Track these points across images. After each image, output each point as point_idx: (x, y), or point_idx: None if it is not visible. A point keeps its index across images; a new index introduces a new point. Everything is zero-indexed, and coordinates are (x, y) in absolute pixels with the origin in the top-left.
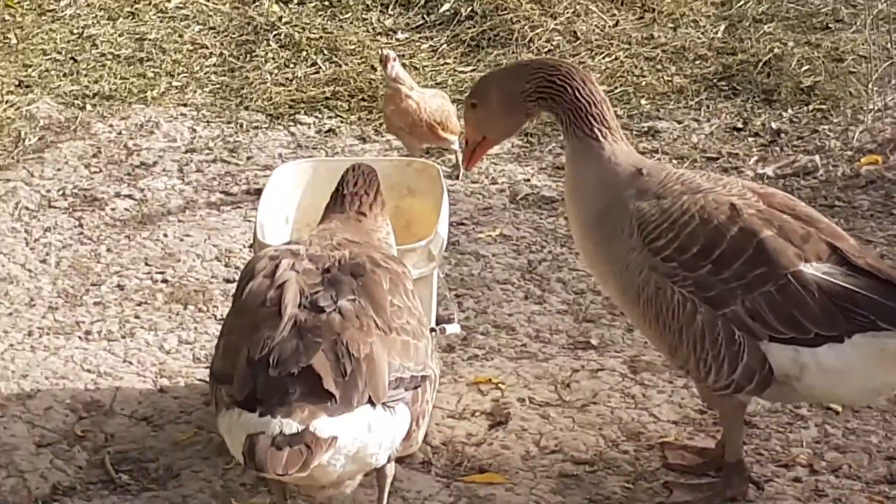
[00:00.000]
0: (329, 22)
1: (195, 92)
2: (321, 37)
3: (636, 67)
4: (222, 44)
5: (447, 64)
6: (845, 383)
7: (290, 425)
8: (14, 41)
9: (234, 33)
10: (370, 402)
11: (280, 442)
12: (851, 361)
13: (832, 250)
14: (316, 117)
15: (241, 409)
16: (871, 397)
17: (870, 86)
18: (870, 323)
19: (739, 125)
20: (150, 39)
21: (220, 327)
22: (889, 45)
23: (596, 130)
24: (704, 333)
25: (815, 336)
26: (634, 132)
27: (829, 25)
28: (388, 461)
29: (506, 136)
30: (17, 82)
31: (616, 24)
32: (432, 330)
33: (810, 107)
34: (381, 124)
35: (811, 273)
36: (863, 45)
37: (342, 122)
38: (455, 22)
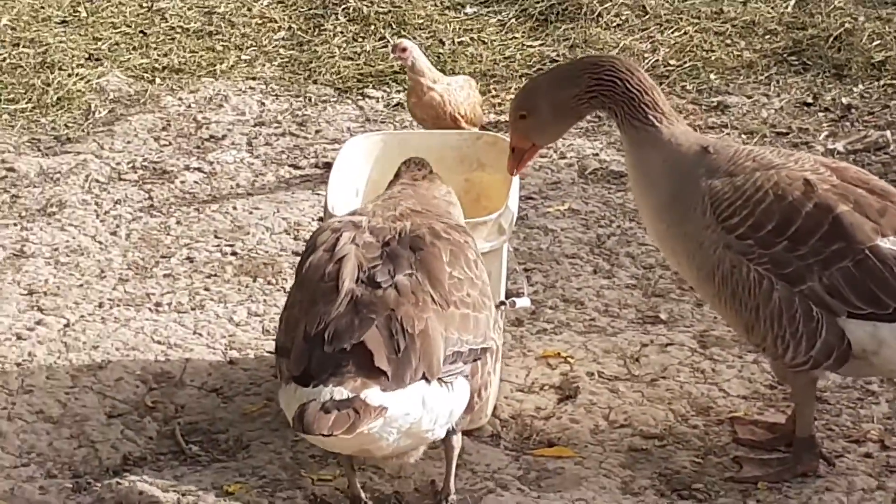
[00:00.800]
0: None
1: (264, 65)
2: (389, 11)
3: (705, 42)
4: (291, 17)
5: (515, 38)
6: None
7: (342, 392)
8: (84, 14)
9: (302, 7)
10: (424, 378)
11: (329, 406)
12: None
13: None
14: (384, 91)
15: (297, 384)
16: None
17: None
18: None
19: (809, 100)
20: (218, 13)
21: None
22: None
23: (651, 117)
24: (782, 311)
25: (893, 311)
26: (704, 107)
27: None
28: (455, 433)
29: (556, 139)
30: (87, 55)
31: None
32: (502, 303)
33: (881, 82)
34: None
35: (889, 248)
36: None
37: None
38: None
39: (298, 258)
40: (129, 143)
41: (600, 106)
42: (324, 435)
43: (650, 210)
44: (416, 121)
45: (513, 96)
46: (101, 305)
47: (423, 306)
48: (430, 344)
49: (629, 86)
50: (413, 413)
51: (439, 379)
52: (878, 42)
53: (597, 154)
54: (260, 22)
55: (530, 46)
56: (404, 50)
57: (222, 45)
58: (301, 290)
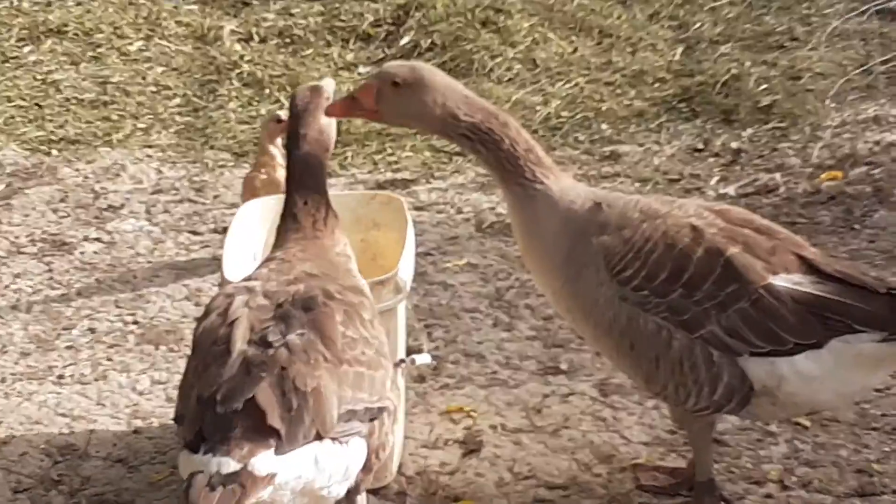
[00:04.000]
0: (290, 58)
1: (160, 133)
2: (283, 73)
3: (596, 93)
4: (185, 84)
5: None
6: (825, 389)
7: (228, 464)
8: None
9: (196, 73)
10: (317, 436)
11: (215, 482)
12: (830, 366)
13: (800, 260)
14: (281, 153)
15: (188, 450)
16: (849, 401)
17: (827, 102)
18: (845, 327)
19: (700, 146)
20: (113, 83)
21: None
22: (844, 62)
23: (539, 174)
24: (682, 358)
25: (793, 346)
26: (596, 157)
27: (785, 44)
28: (359, 493)
29: (395, 125)
30: None
31: (575, 51)
32: (402, 361)
33: (769, 125)
34: (345, 159)
35: (782, 285)
36: (819, 62)
37: None
38: (416, 54)
39: None
40: (27, 216)
41: (476, 152)
42: None
43: (544, 271)
44: (246, 195)
45: (409, 153)
46: (3, 380)
47: (316, 364)
48: (323, 402)
49: (515, 144)
50: (305, 474)
51: (333, 438)
52: (765, 86)
53: (493, 207)
54: (154, 90)
55: None
56: (279, 121)
57: (118, 115)
58: (195, 356)
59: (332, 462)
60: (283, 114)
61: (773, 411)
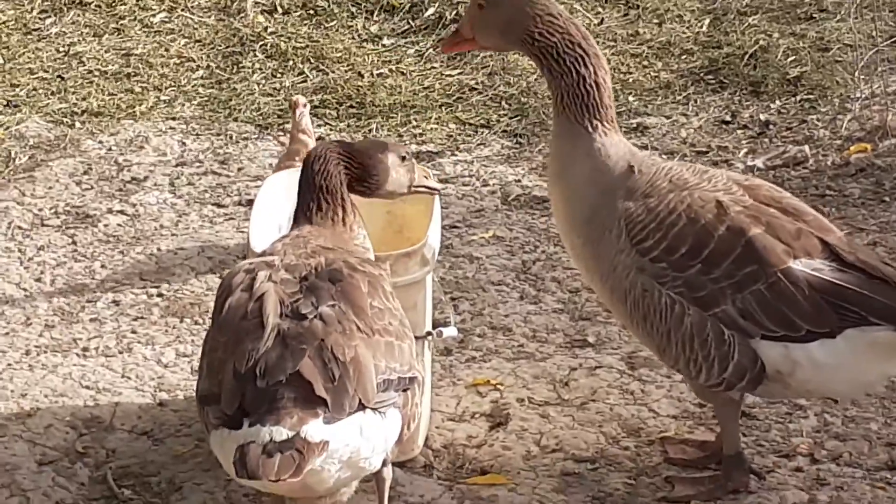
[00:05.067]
0: (314, 30)
1: (183, 105)
2: (307, 45)
3: (623, 64)
4: (209, 56)
5: (434, 68)
6: (838, 377)
7: (280, 432)
8: (0, 61)
9: (220, 45)
10: (361, 405)
11: (271, 449)
12: (843, 356)
13: (823, 245)
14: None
15: (227, 427)
16: (862, 390)
17: (856, 74)
18: (860, 318)
19: (728, 118)
20: (136, 54)
21: None
22: (874, 33)
23: (587, 121)
24: (693, 335)
25: (806, 333)
26: (623, 129)
27: (814, 15)
28: (384, 465)
29: (494, 49)
30: (4, 102)
31: (601, 22)
32: (429, 334)
33: (798, 97)
34: (370, 131)
35: (801, 270)
36: (848, 33)
37: (331, 129)
38: (440, 25)
39: None
40: (50, 188)
41: (540, 66)
42: (271, 481)
43: (567, 222)
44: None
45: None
46: (27, 353)
47: (351, 334)
48: (363, 371)
49: (584, 81)
50: (353, 443)
51: (373, 408)
52: (793, 58)
53: (519, 180)
54: (178, 62)
55: (449, 76)
56: (297, 105)
57: (141, 87)
58: (222, 332)
59: (374, 431)
60: (303, 98)
61: (786, 394)
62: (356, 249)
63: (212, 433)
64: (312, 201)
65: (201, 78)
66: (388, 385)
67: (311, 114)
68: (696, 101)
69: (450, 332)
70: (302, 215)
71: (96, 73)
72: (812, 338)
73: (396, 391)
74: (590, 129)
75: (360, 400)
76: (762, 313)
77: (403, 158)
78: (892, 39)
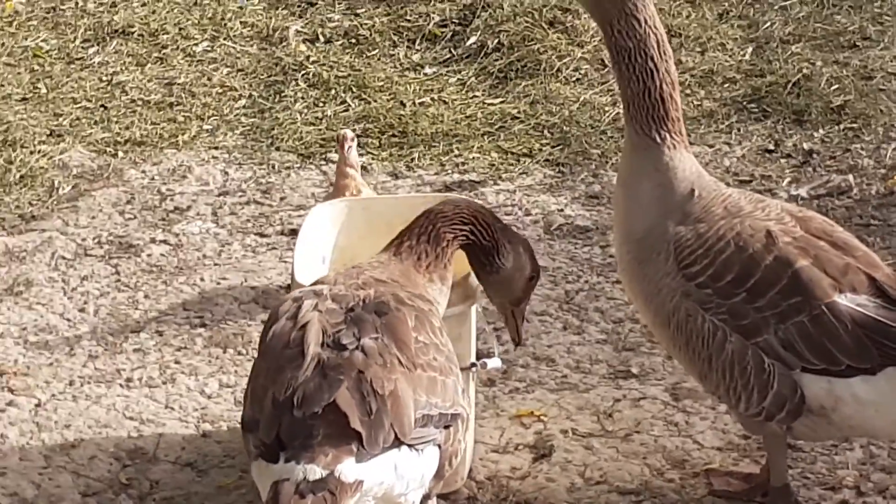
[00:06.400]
0: (356, 59)
1: (226, 134)
2: (349, 74)
3: None
4: (251, 85)
5: (476, 97)
6: (880, 416)
7: (314, 471)
8: (44, 91)
9: (262, 74)
10: (396, 440)
11: (304, 489)
12: (885, 394)
13: (870, 281)
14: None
15: (265, 460)
16: None
17: None
18: None
19: (771, 147)
20: (179, 84)
21: None
22: None
23: (655, 132)
24: (734, 362)
25: (846, 367)
26: None
27: (857, 43)
28: (430, 498)
29: (590, 17)
30: (48, 132)
31: None
32: (473, 365)
33: (841, 126)
34: (412, 160)
35: (845, 304)
36: (891, 61)
37: (374, 158)
38: (482, 54)
39: None
40: (93, 218)
41: (616, 68)
42: None
43: (621, 234)
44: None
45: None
46: (71, 383)
47: (391, 368)
48: (401, 405)
49: (654, 87)
50: (386, 480)
51: (410, 444)
52: (837, 86)
53: (561, 210)
54: (220, 91)
55: (491, 104)
56: (346, 140)
57: (183, 116)
58: (266, 360)
59: (410, 469)
60: (350, 133)
61: (829, 431)
62: (418, 283)
63: (252, 463)
64: (411, 234)
65: (244, 107)
66: (427, 421)
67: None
68: (738, 130)
69: (493, 363)
70: (392, 244)
71: (139, 102)
72: (852, 373)
73: (437, 427)
74: (658, 141)
75: (395, 435)
76: (804, 345)
77: (532, 279)
78: None
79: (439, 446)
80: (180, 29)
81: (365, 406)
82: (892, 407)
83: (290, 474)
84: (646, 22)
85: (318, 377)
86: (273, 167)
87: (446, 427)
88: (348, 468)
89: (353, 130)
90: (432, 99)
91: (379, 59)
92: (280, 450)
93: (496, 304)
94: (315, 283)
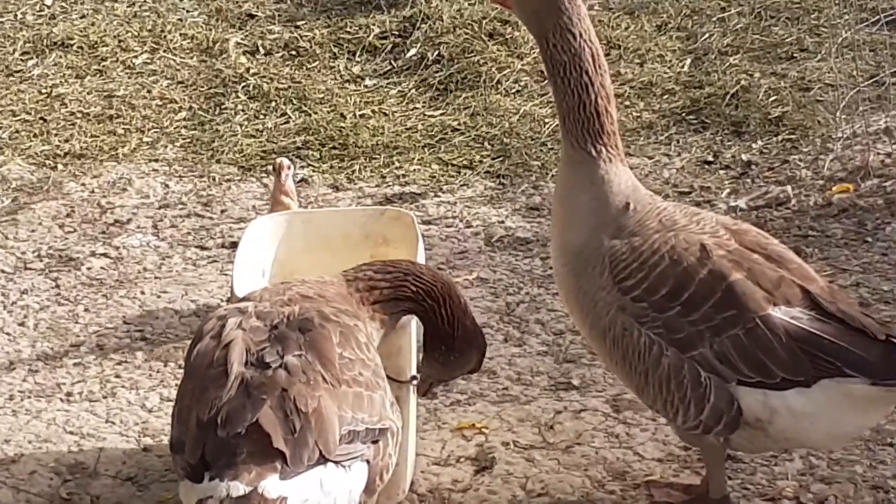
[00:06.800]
0: (297, 71)
1: (166, 147)
2: (289, 86)
3: None
4: (191, 97)
5: (416, 108)
6: (815, 428)
7: (238, 488)
8: None
9: (202, 86)
10: (322, 457)
11: None
12: (819, 407)
13: (804, 294)
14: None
15: (190, 480)
16: (840, 441)
17: (838, 114)
18: (835, 369)
19: (710, 158)
20: (118, 96)
21: None
22: (855, 73)
23: (590, 146)
24: (670, 376)
25: (781, 380)
26: None
27: (795, 55)
28: None
29: (526, 25)
30: None
31: None
32: (413, 378)
33: (779, 137)
34: (353, 172)
35: (779, 317)
36: (829, 73)
37: (314, 171)
38: (422, 66)
39: None
40: (33, 231)
41: (552, 82)
42: None
43: (558, 248)
44: None
45: (417, 166)
46: (11, 398)
47: (315, 385)
48: (325, 422)
49: (589, 102)
50: (312, 497)
51: (336, 461)
52: (775, 98)
53: (502, 221)
54: (160, 103)
55: (431, 116)
56: (282, 168)
57: (123, 129)
58: (190, 380)
59: (337, 485)
60: (287, 161)
61: (766, 443)
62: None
63: (180, 483)
64: (377, 270)
65: (184, 119)
66: (354, 437)
67: (293, 155)
68: (677, 142)
69: None
70: (350, 271)
71: (79, 115)
72: (787, 386)
73: (364, 443)
74: (594, 154)
75: (320, 452)
76: (739, 358)
77: (470, 371)
78: (873, 79)
79: (368, 461)
80: (120, 41)
81: (288, 424)
82: (827, 419)
83: (214, 492)
84: (581, 36)
85: (242, 396)
86: (213, 179)
87: (374, 442)
88: (272, 485)
89: (293, 142)
90: (373, 111)
91: (319, 71)
92: (205, 470)
93: (423, 373)
94: (242, 300)
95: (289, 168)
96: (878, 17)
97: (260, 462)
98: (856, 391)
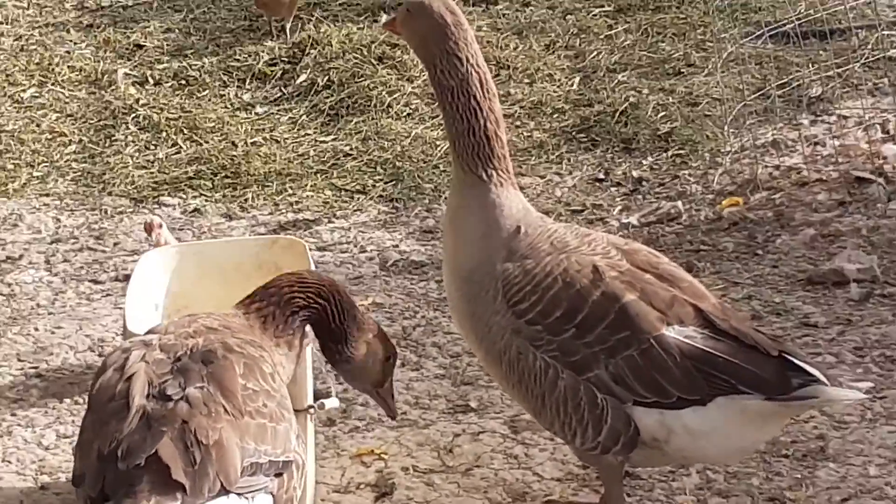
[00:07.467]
0: (187, 101)
1: (57, 181)
2: (180, 116)
3: None
4: (81, 130)
5: (308, 135)
6: (711, 444)
7: None
8: None
9: (92, 119)
10: (223, 489)
11: None
12: (715, 424)
13: (696, 312)
14: (180, 198)
15: None
16: (737, 456)
17: (725, 128)
18: (730, 386)
19: (601, 176)
20: (7, 131)
21: None
22: (741, 87)
23: (481, 170)
24: (567, 398)
25: (677, 400)
26: None
27: (682, 70)
28: None
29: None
30: None
31: None
32: (311, 407)
33: (669, 153)
34: (245, 200)
35: (673, 337)
36: (715, 87)
37: (207, 200)
38: (313, 92)
39: None
40: None
41: (441, 107)
42: None
43: (450, 274)
44: None
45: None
46: None
47: (217, 417)
48: (226, 454)
49: (478, 126)
50: None
51: (238, 493)
52: (663, 114)
53: (396, 245)
54: (50, 137)
55: (323, 142)
56: (153, 227)
57: (13, 164)
58: (93, 413)
59: None
60: (156, 219)
61: (664, 461)
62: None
63: None
64: (263, 295)
65: (74, 153)
66: (256, 469)
67: (185, 185)
68: (569, 160)
69: (332, 402)
70: (243, 302)
71: None
72: (684, 405)
73: (268, 475)
74: (484, 178)
75: (221, 484)
76: (634, 379)
77: (388, 358)
78: (759, 92)
79: (272, 494)
80: (7, 75)
81: (188, 456)
82: (723, 435)
83: None
84: (468, 60)
85: (143, 429)
86: (105, 212)
87: (278, 475)
88: None
89: (185, 173)
90: (264, 138)
91: (209, 100)
92: (104, 502)
93: (359, 390)
94: (147, 332)
95: (160, 226)
96: (762, 31)
97: (160, 493)
98: (751, 407)
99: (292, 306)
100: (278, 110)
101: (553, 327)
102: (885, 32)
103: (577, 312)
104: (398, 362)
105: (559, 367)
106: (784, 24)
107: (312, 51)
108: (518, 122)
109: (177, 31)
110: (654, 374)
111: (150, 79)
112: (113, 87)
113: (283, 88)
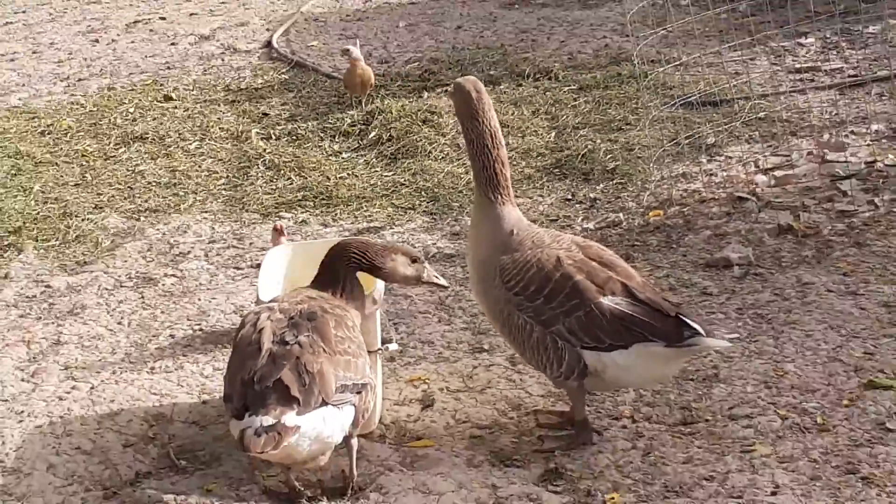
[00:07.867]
0: (297, 149)
1: (212, 203)
2: (292, 159)
3: None
4: (227, 169)
5: (376, 171)
6: (634, 375)
7: (267, 420)
8: (89, 178)
9: (234, 162)
10: (323, 402)
11: (259, 430)
12: (635, 361)
13: (623, 287)
14: (293, 213)
15: (235, 419)
16: (653, 383)
17: (651, 165)
18: (644, 336)
19: (569, 197)
20: (180, 170)
21: None
22: (661, 138)
23: (496, 194)
24: (538, 344)
25: (609, 345)
26: None
27: (622, 127)
28: (352, 437)
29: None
30: (93, 206)
31: None
32: (379, 349)
33: (614, 181)
34: (336, 215)
35: (607, 303)
36: (644, 138)
37: (310, 215)
38: (379, 143)
39: None
40: (125, 262)
41: (469, 152)
42: (258, 452)
43: (472, 266)
44: None
45: (377, 209)
46: (114, 372)
47: (318, 354)
48: (325, 379)
49: (492, 166)
50: (317, 427)
51: (333, 404)
52: (610, 156)
53: (435, 243)
54: (207, 174)
55: (385, 175)
56: (282, 229)
57: (183, 192)
58: (236, 353)
59: (333, 420)
60: (282, 222)
61: (605, 385)
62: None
63: (230, 422)
64: (320, 277)
65: (223, 184)
66: (345, 388)
67: (295, 205)
68: (547, 187)
69: (393, 346)
70: (313, 280)
71: (154, 184)
72: (613, 348)
73: (352, 392)
74: (492, 199)
75: (322, 398)
76: (581, 331)
77: (414, 260)
78: (673, 141)
79: (354, 405)
80: (179, 134)
81: (301, 380)
82: (640, 369)
83: (251, 423)
84: (484, 122)
85: (270, 363)
86: (244, 223)
87: (358, 392)
88: (290, 418)
89: (295, 197)
90: (347, 174)
91: (312, 149)
92: (245, 411)
93: (410, 286)
94: (270, 301)
95: (282, 227)
96: (675, 101)
97: (282, 404)
98: (656, 351)
99: (340, 273)
100: (357, 155)
101: (530, 298)
102: (756, 101)
103: (544, 287)
104: (436, 319)
105: (533, 323)
106: (690, 97)
107: (379, 116)
108: (514, 162)
109: (290, 104)
110: (594, 328)
111: (272, 135)
112: (248, 141)
113: (359, 141)
